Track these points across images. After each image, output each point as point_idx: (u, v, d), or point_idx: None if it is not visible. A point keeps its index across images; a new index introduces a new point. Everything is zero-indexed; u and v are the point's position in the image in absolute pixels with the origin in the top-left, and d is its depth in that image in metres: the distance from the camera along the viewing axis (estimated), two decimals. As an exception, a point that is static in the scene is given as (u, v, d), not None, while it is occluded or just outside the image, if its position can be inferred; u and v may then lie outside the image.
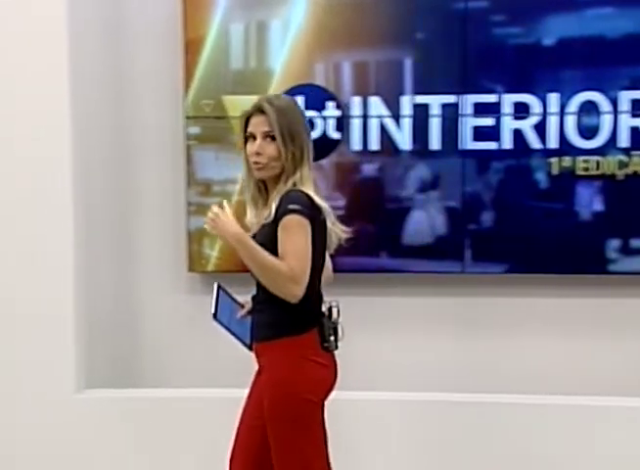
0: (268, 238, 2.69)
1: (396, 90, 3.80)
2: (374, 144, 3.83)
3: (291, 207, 2.66)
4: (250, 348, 2.85)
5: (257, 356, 2.81)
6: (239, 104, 3.82)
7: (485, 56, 3.78)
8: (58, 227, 3.65)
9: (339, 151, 3.84)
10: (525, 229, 3.81)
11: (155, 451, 3.70)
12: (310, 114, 3.81)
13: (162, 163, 3.97)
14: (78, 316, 3.72)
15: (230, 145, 3.82)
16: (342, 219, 3.78)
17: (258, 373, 2.83)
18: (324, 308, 2.81)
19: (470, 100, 3.77)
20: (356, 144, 3.83)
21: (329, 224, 2.80)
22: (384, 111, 3.81)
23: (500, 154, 3.79)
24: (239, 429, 2.86)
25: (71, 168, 3.66)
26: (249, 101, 3.76)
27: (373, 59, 3.84)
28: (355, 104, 3.82)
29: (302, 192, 2.71)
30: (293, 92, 3.80)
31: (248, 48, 3.86)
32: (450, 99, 3.78)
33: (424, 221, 3.86)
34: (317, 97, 3.82)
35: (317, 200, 2.73)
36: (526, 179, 3.79)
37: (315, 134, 3.82)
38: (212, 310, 2.84)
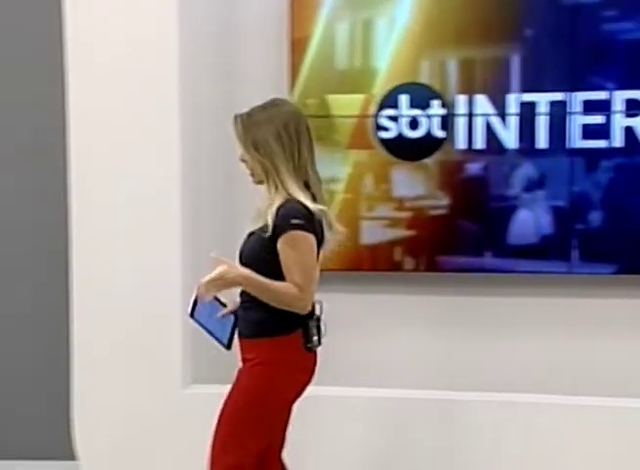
0: (263, 250, 2.79)
1: (503, 88, 3.75)
2: (479, 143, 3.79)
3: (294, 222, 2.74)
4: (227, 347, 2.92)
5: (242, 351, 2.90)
6: (343, 103, 3.85)
7: (596, 52, 3.70)
8: (165, 225, 3.72)
9: (443, 150, 3.81)
10: (635, 229, 3.71)
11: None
12: (414, 112, 3.81)
13: (268, 161, 4.02)
14: (185, 313, 3.77)
15: (334, 144, 3.85)
16: (446, 219, 3.82)
17: (242, 362, 2.91)
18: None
19: (579, 97, 3.69)
20: (461, 143, 3.80)
21: (325, 230, 2.86)
22: (489, 109, 3.77)
23: (610, 152, 3.70)
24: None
25: (180, 170, 3.73)
26: (353, 100, 3.84)
27: (479, 56, 3.80)
28: (460, 102, 3.79)
29: (300, 203, 2.77)
30: (397, 91, 3.80)
31: (353, 47, 3.87)
32: (558, 96, 3.71)
33: (530, 221, 3.80)
34: (422, 95, 3.80)
35: (312, 207, 2.78)
36: (637, 178, 3.69)
37: (419, 133, 3.82)
38: (189, 310, 2.96)
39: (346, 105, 3.85)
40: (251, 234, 2.91)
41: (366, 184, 3.85)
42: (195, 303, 2.97)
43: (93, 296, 3.78)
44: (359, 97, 3.84)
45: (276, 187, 2.81)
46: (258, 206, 2.92)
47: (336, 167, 3.86)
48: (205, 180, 3.98)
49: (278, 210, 2.76)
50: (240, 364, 2.94)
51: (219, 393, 3.76)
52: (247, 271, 2.78)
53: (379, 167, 3.86)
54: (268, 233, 2.77)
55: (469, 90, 3.79)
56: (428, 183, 3.84)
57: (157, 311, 3.74)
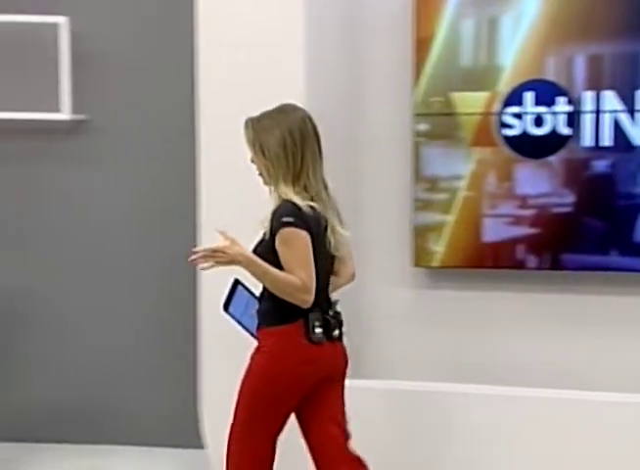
0: (267, 254, 2.91)
1: (632, 84, 3.67)
2: (606, 140, 3.72)
3: (284, 220, 2.88)
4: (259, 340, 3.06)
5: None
6: (468, 100, 3.83)
7: None
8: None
9: (569, 147, 3.76)
10: None
11: (375, 443, 3.73)
12: (540, 109, 3.77)
13: (390, 158, 4.03)
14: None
15: (458, 142, 3.85)
16: (571, 216, 3.76)
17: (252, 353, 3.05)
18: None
19: None
20: (588, 140, 3.74)
21: (329, 228, 3.00)
22: (618, 105, 3.70)
23: None
24: None
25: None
26: (478, 97, 3.83)
27: (608, 51, 3.72)
28: (588, 99, 3.73)
29: (291, 202, 2.92)
30: (522, 88, 3.76)
31: (478, 44, 3.84)
32: (691, 92, 3.62)
33: (659, 219, 3.71)
34: (548, 92, 3.75)
35: (301, 204, 2.92)
36: None
37: (544, 130, 3.77)
38: (223, 303, 3.06)
39: (471, 102, 3.84)
40: (260, 241, 3.02)
41: (489, 182, 3.83)
42: (230, 297, 3.09)
43: (220, 287, 3.86)
44: (484, 94, 3.82)
45: (274, 190, 2.98)
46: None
47: (459, 165, 3.85)
48: (326, 173, 4.01)
49: (273, 213, 2.93)
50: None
51: (352, 386, 3.81)
52: (250, 254, 2.91)
53: (502, 165, 3.84)
54: (267, 237, 2.93)
55: (596, 86, 3.72)
56: (552, 181, 3.79)
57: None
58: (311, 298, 2.92)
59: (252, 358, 3.03)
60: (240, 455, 3.03)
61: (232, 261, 2.89)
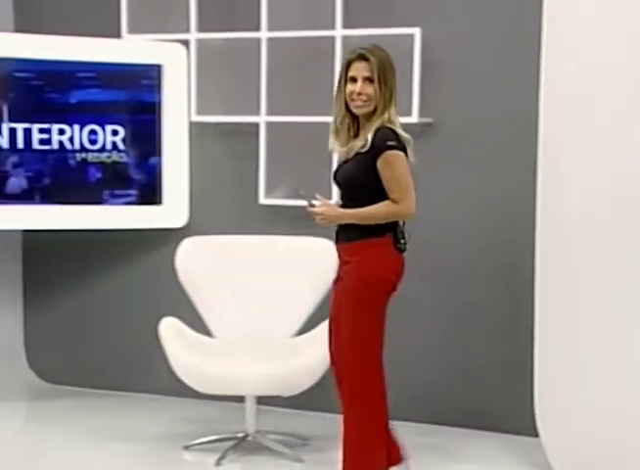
0: (363, 164, 3.37)
1: None
2: None
3: (389, 143, 3.33)
4: None
5: (344, 255, 3.48)
6: None
7: None
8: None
9: None
10: None
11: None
12: None
13: None
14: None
15: None
16: None
17: (344, 265, 3.47)
18: None
19: None
20: None
21: (409, 153, 3.40)
22: None
23: None
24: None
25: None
26: None
27: None
28: None
29: (391, 129, 3.36)
30: None
31: None
32: None
33: None
34: None
35: (402, 134, 3.38)
36: None
37: None
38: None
39: None
40: (344, 162, 3.48)
41: None
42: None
43: (560, 293, 3.90)
44: None
45: (382, 113, 3.37)
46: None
47: None
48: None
49: (376, 131, 3.35)
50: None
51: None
52: (348, 210, 3.41)
53: None
54: (366, 148, 3.35)
55: None
56: None
57: (614, 308, 3.73)
58: (412, 210, 3.38)
59: (351, 269, 3.42)
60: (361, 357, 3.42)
61: (336, 222, 3.44)
